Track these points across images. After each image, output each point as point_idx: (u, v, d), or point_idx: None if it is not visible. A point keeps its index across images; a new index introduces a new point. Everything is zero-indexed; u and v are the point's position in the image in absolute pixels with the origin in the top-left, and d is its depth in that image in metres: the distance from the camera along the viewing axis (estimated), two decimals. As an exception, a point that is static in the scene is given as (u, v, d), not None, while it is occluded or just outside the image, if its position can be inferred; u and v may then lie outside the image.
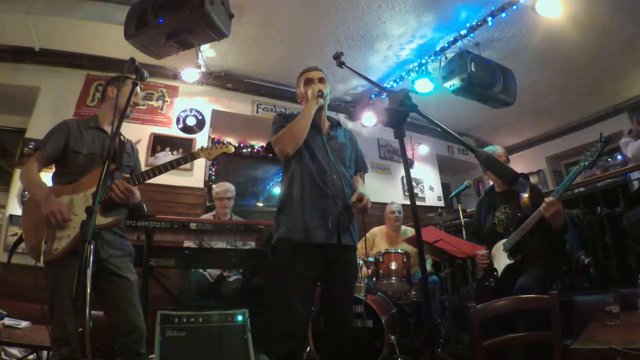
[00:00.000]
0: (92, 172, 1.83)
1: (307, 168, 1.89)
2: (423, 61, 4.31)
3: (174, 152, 4.26)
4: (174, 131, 4.40)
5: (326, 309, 1.94)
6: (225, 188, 3.66)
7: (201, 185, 4.37)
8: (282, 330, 1.72)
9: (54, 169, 1.93)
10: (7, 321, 2.44)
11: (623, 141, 3.47)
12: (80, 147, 1.87)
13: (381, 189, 5.44)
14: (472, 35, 3.87)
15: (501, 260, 2.40)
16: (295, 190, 1.87)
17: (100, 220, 1.77)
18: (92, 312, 1.14)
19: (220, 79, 4.69)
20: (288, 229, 1.81)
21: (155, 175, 1.94)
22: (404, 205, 4.38)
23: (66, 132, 1.89)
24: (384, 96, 5.08)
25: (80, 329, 1.61)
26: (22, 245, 1.79)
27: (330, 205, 1.84)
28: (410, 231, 4.04)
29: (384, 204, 4.30)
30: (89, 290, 1.12)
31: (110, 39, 3.62)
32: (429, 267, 3.89)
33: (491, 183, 2.80)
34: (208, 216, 3.73)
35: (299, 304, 1.73)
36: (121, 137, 2.02)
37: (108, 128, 1.99)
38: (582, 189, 3.68)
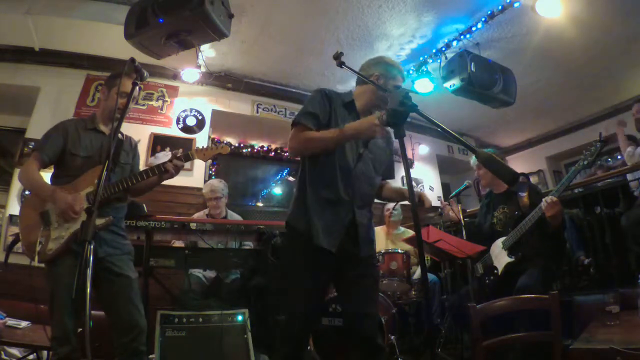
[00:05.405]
0: (87, 173, 1.83)
1: (330, 166, 1.65)
2: (423, 61, 4.30)
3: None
4: (174, 131, 4.40)
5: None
6: (209, 189, 3.50)
7: (201, 185, 4.36)
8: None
9: (52, 170, 1.93)
10: (8, 321, 2.44)
11: (629, 151, 3.36)
12: (78, 150, 1.87)
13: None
14: (472, 35, 3.87)
15: (501, 259, 2.40)
16: (310, 189, 1.66)
17: (95, 221, 1.76)
18: (92, 312, 1.13)
19: (220, 79, 4.68)
20: (293, 229, 1.67)
21: (149, 177, 1.92)
22: (404, 206, 4.38)
23: (64, 135, 1.88)
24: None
25: (80, 329, 1.61)
26: (20, 244, 1.79)
27: (343, 211, 1.63)
28: (408, 232, 4.04)
29: (384, 204, 4.30)
30: (89, 290, 1.12)
31: (110, 39, 3.61)
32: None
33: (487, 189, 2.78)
34: (201, 214, 3.59)
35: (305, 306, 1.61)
36: (119, 134, 2.00)
37: (104, 128, 1.99)
38: (582, 189, 3.68)
